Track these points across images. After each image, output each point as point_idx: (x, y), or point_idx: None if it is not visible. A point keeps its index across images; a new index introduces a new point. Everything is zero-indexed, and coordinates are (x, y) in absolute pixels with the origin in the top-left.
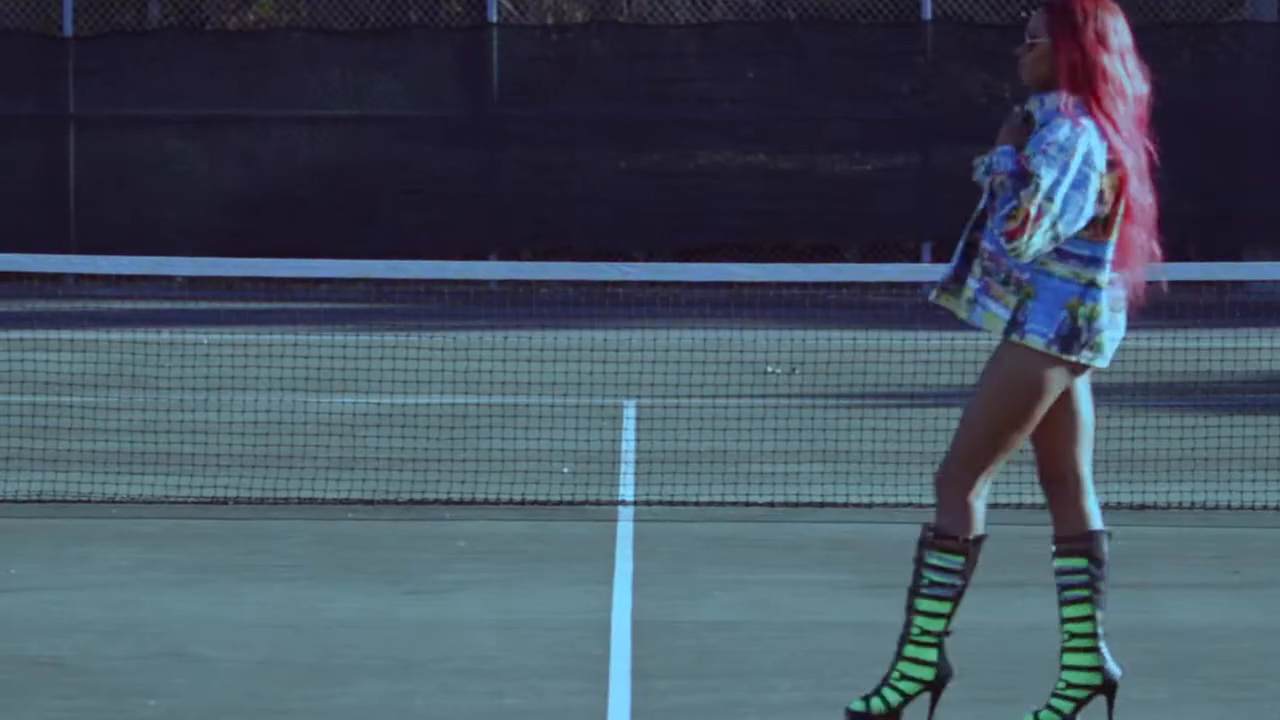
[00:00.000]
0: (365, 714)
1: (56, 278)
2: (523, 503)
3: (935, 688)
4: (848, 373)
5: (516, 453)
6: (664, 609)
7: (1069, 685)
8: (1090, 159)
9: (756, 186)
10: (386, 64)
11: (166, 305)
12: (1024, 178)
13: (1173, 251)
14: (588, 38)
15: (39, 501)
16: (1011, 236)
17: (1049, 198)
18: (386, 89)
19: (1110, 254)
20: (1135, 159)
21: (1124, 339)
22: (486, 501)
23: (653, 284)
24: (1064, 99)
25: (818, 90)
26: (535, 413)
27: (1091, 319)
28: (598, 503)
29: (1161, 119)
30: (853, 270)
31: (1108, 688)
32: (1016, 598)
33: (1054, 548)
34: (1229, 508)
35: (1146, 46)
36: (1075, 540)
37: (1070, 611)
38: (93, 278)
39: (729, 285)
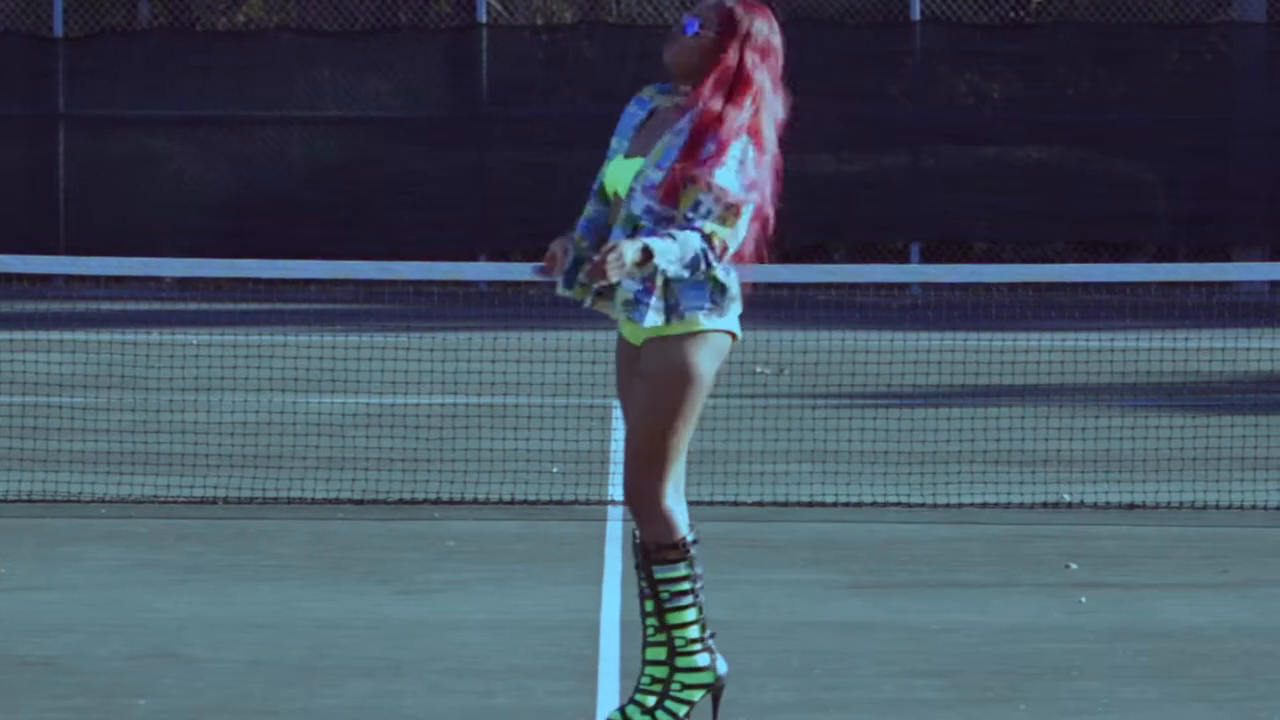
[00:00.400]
0: (354, 713)
1: (45, 278)
2: (512, 502)
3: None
4: (836, 373)
5: (506, 453)
6: None
7: (684, 686)
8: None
9: None
10: (376, 64)
11: (156, 306)
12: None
13: (1163, 252)
14: (577, 38)
15: (28, 501)
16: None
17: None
18: (376, 89)
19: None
20: (771, 180)
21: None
22: (476, 501)
23: None
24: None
25: (806, 90)
26: (524, 413)
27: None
28: (587, 502)
29: (1153, 119)
30: (841, 271)
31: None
32: (1007, 598)
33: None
34: (1218, 507)
35: (1136, 46)
36: (668, 548)
37: (673, 619)
38: (82, 278)
39: None
